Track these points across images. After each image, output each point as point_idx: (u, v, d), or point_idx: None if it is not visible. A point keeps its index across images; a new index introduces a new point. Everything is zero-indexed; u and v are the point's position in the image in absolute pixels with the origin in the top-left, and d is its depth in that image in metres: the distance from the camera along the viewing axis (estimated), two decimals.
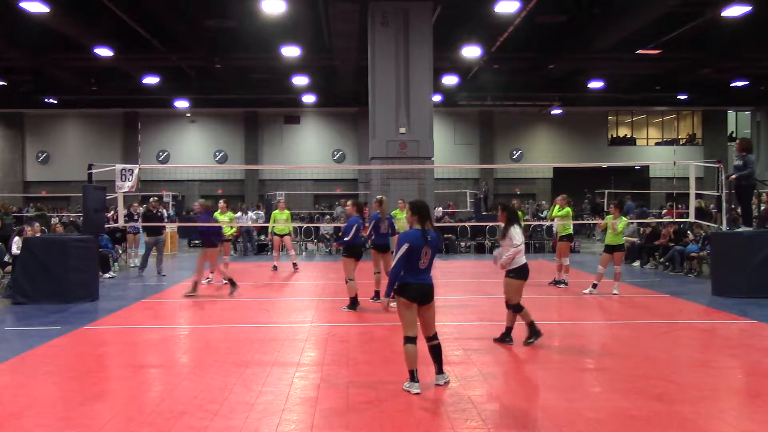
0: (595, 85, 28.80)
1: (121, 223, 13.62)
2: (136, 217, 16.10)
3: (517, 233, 7.25)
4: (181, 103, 31.46)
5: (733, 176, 11.24)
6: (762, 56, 24.59)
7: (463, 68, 26.11)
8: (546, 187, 34.66)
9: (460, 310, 9.80)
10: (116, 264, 15.55)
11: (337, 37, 21.15)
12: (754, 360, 6.85)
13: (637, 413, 5.05)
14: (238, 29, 22.10)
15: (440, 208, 25.39)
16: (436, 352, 5.78)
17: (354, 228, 9.65)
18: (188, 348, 7.70)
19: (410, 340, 5.56)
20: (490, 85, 29.15)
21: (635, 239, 16.71)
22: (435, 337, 5.77)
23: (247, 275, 14.52)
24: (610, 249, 11.09)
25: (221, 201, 13.78)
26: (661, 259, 15.10)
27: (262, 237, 20.35)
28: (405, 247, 5.52)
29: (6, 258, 12.17)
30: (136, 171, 12.39)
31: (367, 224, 10.43)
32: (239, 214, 19.12)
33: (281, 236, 15.06)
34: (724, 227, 11.65)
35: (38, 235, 12.26)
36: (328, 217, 25.96)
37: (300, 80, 27.23)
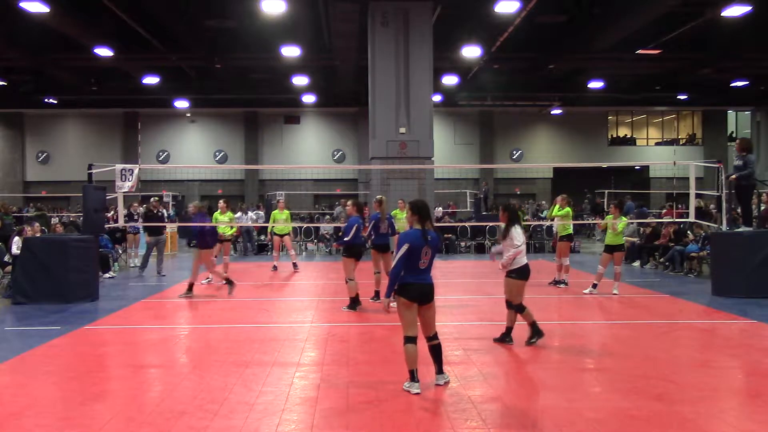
0: (595, 85, 28.81)
1: (121, 223, 13.62)
2: (136, 217, 16.10)
3: (518, 234, 7.25)
4: (181, 103, 31.47)
5: (733, 176, 11.24)
6: (762, 56, 24.59)
7: (463, 68, 26.11)
8: (546, 187, 34.67)
9: (460, 310, 9.80)
10: (116, 264, 15.55)
11: (337, 37, 21.15)
12: (754, 360, 6.85)
13: (637, 413, 5.05)
14: (238, 29, 22.11)
15: (440, 208, 25.39)
16: (436, 351, 5.78)
17: (354, 228, 9.65)
18: (188, 348, 7.70)
19: (410, 339, 5.56)
20: (490, 85, 29.15)
21: (635, 239, 16.71)
22: (435, 336, 5.77)
23: (247, 275, 14.52)
24: (610, 249, 11.09)
25: (221, 201, 13.76)
26: (661, 259, 15.10)
27: (262, 237, 20.35)
28: (405, 247, 5.52)
29: (6, 258, 12.17)
30: (136, 171, 12.39)
31: (367, 224, 10.43)
32: (239, 214, 19.10)
33: (281, 236, 15.05)
34: (724, 227, 11.65)
35: (38, 235, 12.26)
36: (328, 217, 25.96)
37: (300, 80, 27.23)
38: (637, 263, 16.07)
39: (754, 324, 8.57)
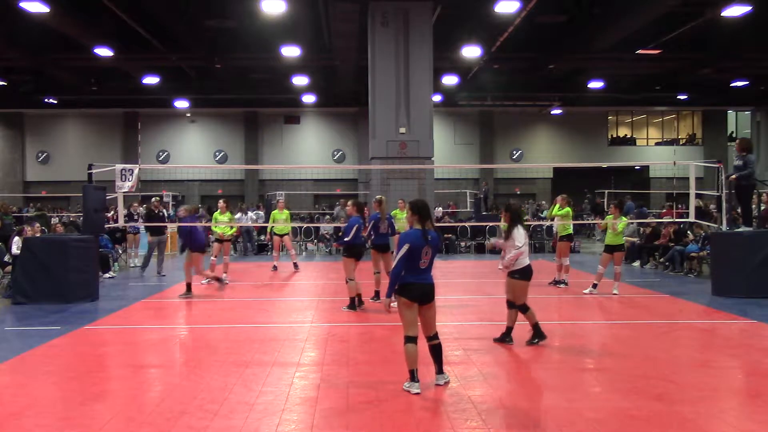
0: (595, 85, 28.79)
1: (121, 223, 13.61)
2: (136, 217, 16.08)
3: (520, 235, 7.25)
4: (181, 103, 31.46)
5: (733, 176, 11.24)
6: (762, 56, 24.58)
7: (463, 68, 26.11)
8: (546, 187, 34.65)
9: (460, 310, 9.80)
10: (116, 264, 15.56)
11: (337, 37, 21.15)
12: (754, 360, 6.85)
13: (637, 413, 5.05)
14: (238, 29, 22.10)
15: (440, 208, 25.39)
16: (436, 351, 5.78)
17: (354, 228, 9.65)
18: (188, 348, 7.70)
19: (411, 339, 5.57)
20: (490, 85, 29.14)
21: (635, 239, 16.71)
22: (436, 336, 5.78)
23: (247, 275, 14.53)
24: (610, 249, 11.09)
25: (221, 201, 13.76)
26: (661, 259, 15.10)
27: (262, 237, 20.35)
28: (405, 247, 5.52)
29: (6, 258, 12.18)
30: (136, 171, 12.39)
31: (366, 224, 10.43)
32: (239, 215, 19.10)
33: (281, 236, 15.05)
34: (724, 227, 11.65)
35: (38, 235, 12.26)
36: (328, 217, 25.96)
37: (300, 80, 27.23)
38: (637, 263, 16.07)
39: (754, 324, 8.57)
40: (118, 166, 12.25)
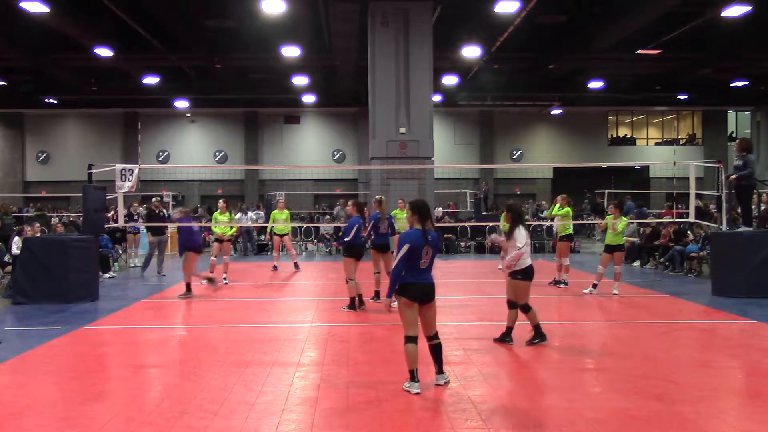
0: (595, 85, 28.79)
1: (121, 223, 13.61)
2: (136, 217, 16.07)
3: (521, 236, 7.25)
4: (181, 103, 31.46)
5: (733, 176, 11.24)
6: (762, 56, 24.58)
7: (463, 68, 26.11)
8: (546, 187, 34.65)
9: (460, 310, 9.80)
10: (116, 264, 15.56)
11: (337, 37, 21.15)
12: (754, 360, 6.85)
13: (637, 413, 5.05)
14: (238, 29, 22.10)
15: (440, 208, 25.39)
16: (436, 351, 5.78)
17: (354, 228, 9.66)
18: (188, 348, 7.70)
19: (411, 339, 5.57)
20: (490, 85, 29.14)
21: (635, 239, 16.71)
22: (436, 336, 5.78)
23: (247, 275, 14.53)
24: (610, 249, 11.09)
25: (221, 201, 13.75)
26: (661, 259, 15.10)
27: (262, 237, 20.35)
28: (406, 247, 5.52)
29: (6, 258, 12.18)
30: (136, 171, 12.40)
31: (366, 224, 10.44)
32: (239, 215, 19.09)
33: (281, 236, 15.05)
34: (724, 227, 11.65)
35: (38, 235, 12.26)
36: (328, 217, 25.97)
37: (300, 80, 27.23)
38: (637, 263, 16.07)
39: (754, 324, 8.57)
40: (118, 166, 12.25)
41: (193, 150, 34.49)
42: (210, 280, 11.19)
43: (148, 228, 15.17)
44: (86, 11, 19.49)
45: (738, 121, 37.47)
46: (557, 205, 12.64)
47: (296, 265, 15.11)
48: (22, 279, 10.55)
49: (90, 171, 11.60)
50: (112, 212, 17.69)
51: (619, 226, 11.05)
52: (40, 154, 34.55)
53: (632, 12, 18.71)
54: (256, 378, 6.06)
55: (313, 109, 34.10)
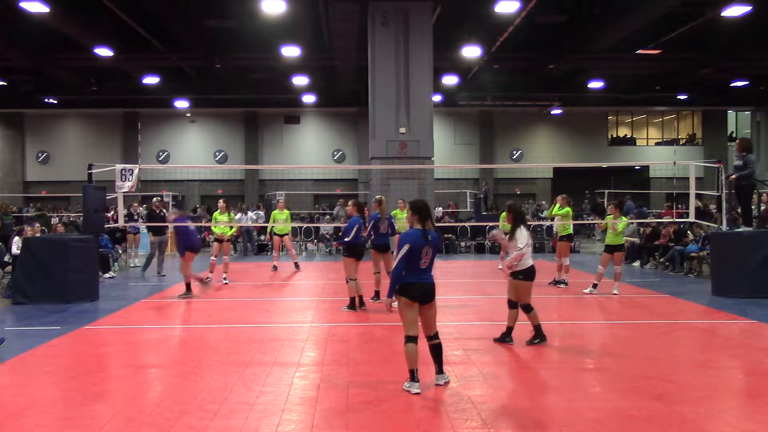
0: (595, 85, 28.79)
1: (121, 223, 13.61)
2: (136, 217, 16.07)
3: (522, 236, 7.25)
4: (181, 103, 31.46)
5: (733, 176, 11.24)
6: (762, 56, 24.58)
7: (463, 68, 26.10)
8: (546, 187, 34.65)
9: (460, 310, 9.80)
10: (116, 264, 15.56)
11: (337, 37, 21.15)
12: (754, 360, 6.85)
13: (637, 413, 5.05)
14: (238, 29, 22.10)
15: (440, 208, 25.39)
16: (436, 351, 5.78)
17: (355, 228, 9.66)
18: (188, 348, 7.70)
19: (411, 339, 5.57)
20: (490, 85, 29.14)
21: (635, 239, 16.71)
22: (436, 336, 5.78)
23: (247, 275, 14.53)
24: (610, 249, 11.09)
25: (221, 201, 13.75)
26: (661, 259, 15.10)
27: (262, 237, 20.35)
28: (406, 247, 5.53)
29: (6, 258, 12.18)
30: (136, 171, 12.39)
31: (366, 224, 10.44)
32: (239, 215, 19.09)
33: (281, 236, 15.05)
34: (724, 227, 11.65)
35: (38, 235, 12.26)
36: (328, 217, 25.97)
37: (300, 80, 27.23)
38: (637, 263, 16.07)
39: (754, 324, 8.57)
40: (118, 166, 12.25)
41: (193, 150, 34.49)
42: (200, 280, 11.16)
43: (149, 228, 15.17)
44: (86, 11, 19.49)
45: (738, 121, 37.47)
46: (557, 205, 12.64)
47: (297, 265, 15.11)
48: (22, 279, 10.55)
49: (90, 171, 11.60)
50: (112, 212, 17.70)
51: (619, 226, 11.04)
52: (40, 154, 34.55)
53: (632, 12, 18.71)
54: (256, 378, 6.06)
55: (313, 109, 34.10)
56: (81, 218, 14.04)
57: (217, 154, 34.62)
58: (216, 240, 13.53)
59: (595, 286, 11.19)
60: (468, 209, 27.58)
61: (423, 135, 18.78)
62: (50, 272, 10.45)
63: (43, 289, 10.41)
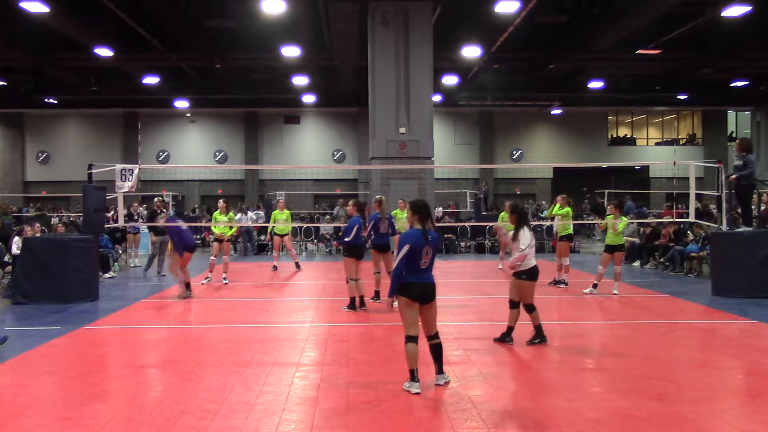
0: (595, 85, 28.78)
1: (121, 223, 13.61)
2: (136, 217, 16.06)
3: (525, 237, 7.25)
4: (181, 103, 31.45)
5: (733, 176, 11.24)
6: (762, 56, 24.57)
7: (463, 68, 26.10)
8: (546, 187, 34.65)
9: (460, 310, 9.80)
10: (116, 264, 15.55)
11: (337, 37, 21.14)
12: (754, 360, 6.85)
13: (637, 413, 5.05)
14: (238, 29, 22.10)
15: (440, 208, 25.39)
16: (436, 351, 5.78)
17: (355, 228, 9.66)
18: (188, 348, 7.70)
19: (411, 339, 5.57)
20: (490, 85, 29.14)
21: (635, 239, 16.71)
22: (436, 336, 5.78)
23: (247, 275, 14.53)
24: (610, 249, 11.09)
25: (221, 201, 13.75)
26: (661, 259, 15.10)
27: (262, 237, 20.34)
28: (406, 248, 5.53)
29: (6, 258, 12.18)
30: (136, 171, 12.39)
31: (367, 224, 10.44)
32: (239, 215, 19.09)
33: (281, 236, 15.06)
34: (724, 227, 11.65)
35: (38, 235, 12.26)
36: (328, 217, 25.97)
37: (300, 80, 27.22)
38: (637, 263, 16.07)
39: (754, 324, 8.57)
40: (118, 166, 12.24)
41: (193, 150, 34.48)
42: (186, 285, 11.08)
43: (150, 228, 15.18)
44: (86, 11, 19.48)
45: (738, 121, 37.46)
46: (557, 205, 12.64)
47: (297, 265, 15.12)
48: (22, 279, 10.55)
49: (90, 171, 11.60)
50: (112, 212, 17.69)
51: (619, 226, 11.05)
52: (40, 154, 34.54)
53: (632, 12, 18.70)
54: (256, 378, 6.06)
55: (313, 109, 34.09)
56: (81, 218, 14.03)
57: (217, 154, 34.62)
58: (216, 240, 13.53)
59: (595, 286, 11.19)
60: (468, 209, 27.57)
61: (423, 135, 18.78)
62: (50, 272, 10.45)
63: (43, 289, 10.41)
